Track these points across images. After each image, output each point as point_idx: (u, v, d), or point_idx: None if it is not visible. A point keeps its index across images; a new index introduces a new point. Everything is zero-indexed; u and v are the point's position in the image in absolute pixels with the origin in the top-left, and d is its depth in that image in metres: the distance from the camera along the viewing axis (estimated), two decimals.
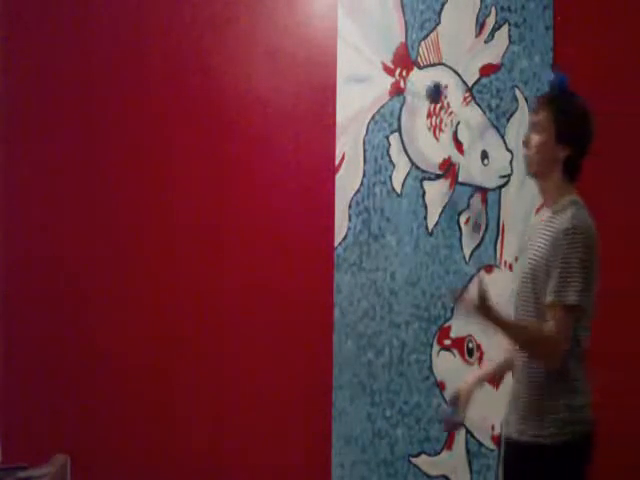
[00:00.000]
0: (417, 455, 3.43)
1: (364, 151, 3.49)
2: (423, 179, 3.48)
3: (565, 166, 2.50)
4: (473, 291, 2.37)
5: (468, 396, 2.67)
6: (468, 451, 3.43)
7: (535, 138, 2.51)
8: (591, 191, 3.54)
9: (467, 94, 3.48)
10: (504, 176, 3.48)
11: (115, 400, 3.62)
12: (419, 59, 3.49)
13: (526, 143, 2.54)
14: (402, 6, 3.49)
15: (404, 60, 3.49)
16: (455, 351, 3.46)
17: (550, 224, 2.45)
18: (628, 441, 3.43)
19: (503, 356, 2.70)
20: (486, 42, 3.49)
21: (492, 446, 3.42)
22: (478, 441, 3.43)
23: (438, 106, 3.48)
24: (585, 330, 2.44)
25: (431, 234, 3.48)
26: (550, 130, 2.48)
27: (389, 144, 3.49)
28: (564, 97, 2.56)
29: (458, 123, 3.49)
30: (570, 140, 2.48)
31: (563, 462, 2.39)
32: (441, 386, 3.45)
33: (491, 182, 3.49)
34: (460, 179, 3.48)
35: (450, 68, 3.49)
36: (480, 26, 3.49)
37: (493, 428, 3.42)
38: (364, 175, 3.49)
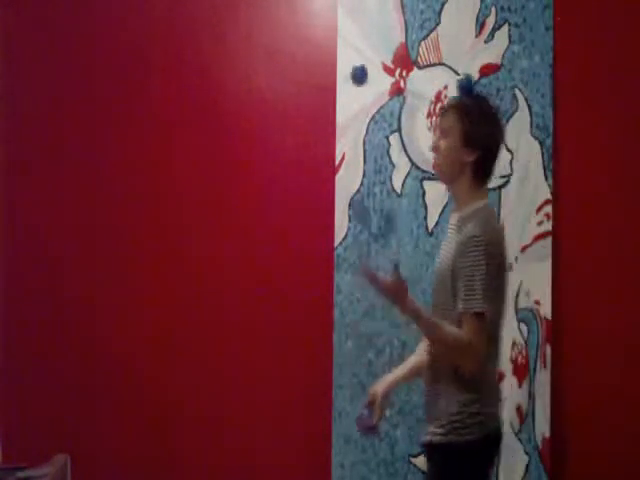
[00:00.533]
0: (417, 455, 3.43)
1: (364, 151, 3.49)
2: (423, 179, 3.48)
3: (474, 170, 2.48)
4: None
5: (384, 398, 2.65)
6: None
7: (442, 143, 2.51)
8: (592, 191, 3.55)
9: None
10: (504, 176, 3.48)
11: (115, 400, 3.62)
12: (419, 59, 3.49)
13: (434, 149, 2.53)
14: (402, 6, 3.49)
15: (404, 60, 3.49)
16: None
17: (458, 230, 2.45)
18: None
19: (417, 356, 2.71)
20: (486, 42, 3.49)
21: None
22: None
23: (438, 106, 3.48)
24: (495, 337, 2.46)
25: (431, 234, 3.48)
26: (456, 134, 2.47)
27: (389, 144, 3.49)
28: (469, 101, 2.57)
29: None
30: (477, 143, 2.47)
31: (468, 462, 2.41)
32: None
33: (491, 182, 3.48)
34: None
35: (450, 68, 3.49)
36: (480, 26, 3.49)
37: None
38: (364, 175, 3.49)
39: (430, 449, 2.50)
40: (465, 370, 2.38)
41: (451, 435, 2.41)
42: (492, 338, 2.44)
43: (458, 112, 2.50)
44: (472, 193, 2.50)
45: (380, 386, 2.68)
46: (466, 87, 2.52)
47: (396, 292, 2.33)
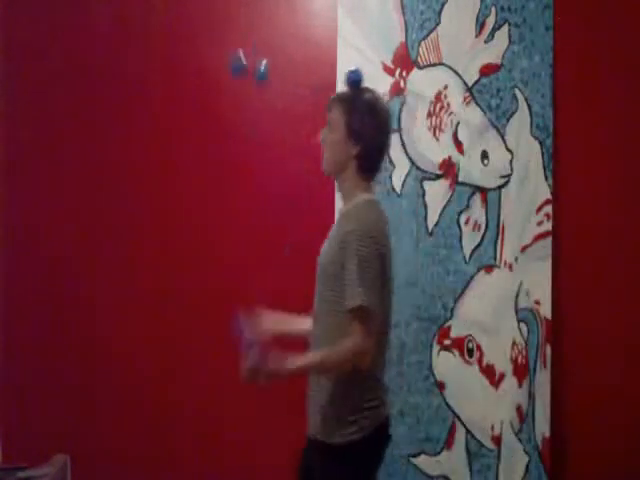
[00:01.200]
0: (417, 455, 3.43)
1: None
2: (423, 179, 3.48)
3: (358, 164, 2.47)
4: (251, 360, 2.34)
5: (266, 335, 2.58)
6: (468, 451, 3.43)
7: (328, 136, 2.50)
8: (592, 191, 3.55)
9: (467, 94, 3.48)
10: (504, 176, 3.48)
11: (115, 400, 3.62)
12: (419, 59, 3.49)
13: (322, 142, 2.52)
14: (402, 6, 3.49)
15: (404, 60, 3.49)
16: (455, 351, 3.46)
17: (340, 224, 2.44)
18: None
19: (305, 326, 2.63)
20: (486, 42, 3.49)
21: (492, 446, 3.43)
22: (478, 441, 3.43)
23: (438, 106, 3.48)
24: (382, 332, 2.44)
25: (431, 234, 3.48)
26: (341, 128, 2.46)
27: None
28: (354, 94, 2.53)
29: (458, 123, 3.49)
30: (361, 137, 2.45)
31: (352, 460, 2.40)
32: (441, 386, 3.45)
33: (491, 182, 3.49)
34: (460, 179, 3.48)
35: (450, 68, 3.49)
36: (480, 26, 3.49)
37: (493, 428, 3.43)
38: None
39: (313, 444, 2.49)
40: (358, 369, 2.37)
41: (328, 431, 2.42)
42: (380, 333, 2.42)
43: (343, 105, 2.49)
44: (357, 187, 2.49)
45: (274, 326, 2.65)
46: (354, 79, 2.50)
47: (271, 373, 2.34)
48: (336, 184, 2.56)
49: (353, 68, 2.55)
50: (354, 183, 2.48)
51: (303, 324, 2.65)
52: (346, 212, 2.46)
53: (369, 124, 2.46)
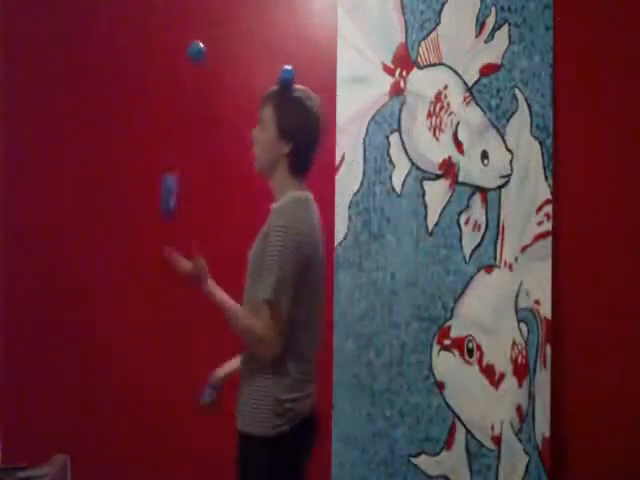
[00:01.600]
0: (417, 455, 3.44)
1: (364, 151, 3.49)
2: (423, 179, 3.48)
3: (289, 162, 2.50)
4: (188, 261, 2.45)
5: (222, 380, 2.73)
6: (468, 451, 3.43)
7: (260, 135, 2.52)
8: (592, 191, 3.55)
9: (467, 94, 3.48)
10: (504, 176, 3.48)
11: (115, 400, 3.62)
12: (419, 59, 3.49)
13: (254, 140, 2.55)
14: (402, 6, 3.49)
15: (404, 60, 3.49)
16: (455, 351, 3.46)
17: (268, 220, 2.47)
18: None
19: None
20: (486, 42, 3.49)
21: (492, 446, 3.43)
22: (478, 441, 3.44)
23: (438, 106, 3.48)
24: (303, 329, 2.45)
25: (431, 234, 3.48)
26: (272, 126, 2.49)
27: (389, 144, 3.49)
28: (286, 92, 2.55)
29: (458, 123, 3.49)
30: (291, 136, 2.47)
31: (278, 451, 2.44)
32: (441, 386, 3.45)
33: (491, 182, 3.49)
34: (460, 179, 3.48)
35: (450, 68, 3.49)
36: (480, 26, 3.49)
37: (493, 428, 3.43)
38: (364, 175, 3.49)
39: (241, 437, 2.52)
40: (260, 358, 2.41)
41: (254, 423, 2.45)
42: (300, 330, 2.44)
43: (274, 104, 2.51)
44: (288, 185, 2.52)
45: (221, 370, 2.74)
46: (285, 78, 2.52)
47: (196, 274, 2.41)
48: (268, 180, 2.58)
49: (286, 67, 2.57)
50: (285, 181, 2.52)
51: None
52: (274, 209, 2.50)
53: (300, 123, 2.49)
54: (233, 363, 2.70)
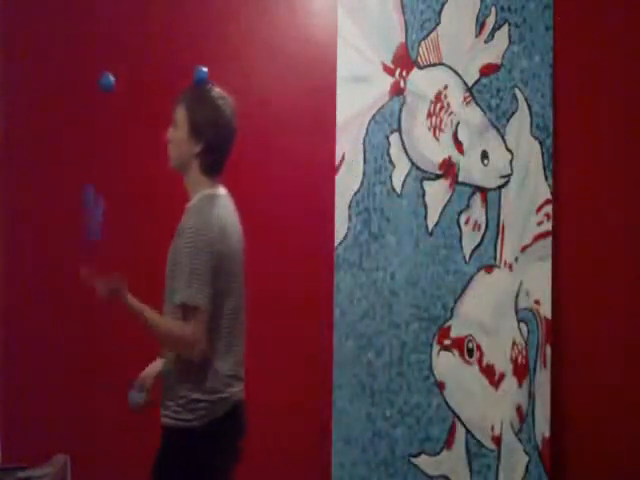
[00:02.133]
0: (417, 455, 3.44)
1: (364, 151, 3.49)
2: (423, 179, 3.49)
3: (201, 161, 2.51)
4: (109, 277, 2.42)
5: (150, 381, 2.69)
6: (468, 451, 3.43)
7: (173, 134, 2.54)
8: (592, 191, 3.55)
9: (467, 94, 3.48)
10: (504, 176, 3.48)
11: (115, 400, 3.61)
12: (419, 59, 3.49)
13: (168, 140, 2.57)
14: (402, 6, 3.49)
15: (404, 60, 3.49)
16: (455, 351, 3.46)
17: (181, 220, 2.48)
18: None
19: None
20: (486, 42, 3.49)
21: (492, 446, 3.43)
22: (478, 441, 3.43)
23: (438, 106, 3.48)
24: (225, 325, 2.46)
25: (431, 234, 3.48)
26: (184, 126, 2.51)
27: (389, 144, 3.49)
28: (199, 92, 2.58)
29: (458, 123, 3.49)
30: (203, 135, 2.49)
31: (188, 447, 2.44)
32: (441, 386, 3.45)
33: (491, 182, 3.49)
34: (460, 179, 3.48)
35: (450, 68, 3.49)
36: (480, 26, 3.49)
37: (493, 428, 3.43)
38: (364, 175, 3.49)
39: (162, 431, 2.52)
40: (185, 358, 2.42)
41: (174, 419, 2.45)
42: (220, 331, 2.45)
43: (186, 103, 2.53)
44: (200, 184, 2.53)
45: (149, 370, 2.71)
46: (199, 78, 2.56)
47: (114, 288, 2.40)
48: (183, 179, 2.59)
49: (200, 67, 2.60)
50: (197, 180, 2.53)
51: None
52: (187, 208, 2.51)
53: (210, 122, 2.51)
54: (157, 364, 2.69)
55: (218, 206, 2.50)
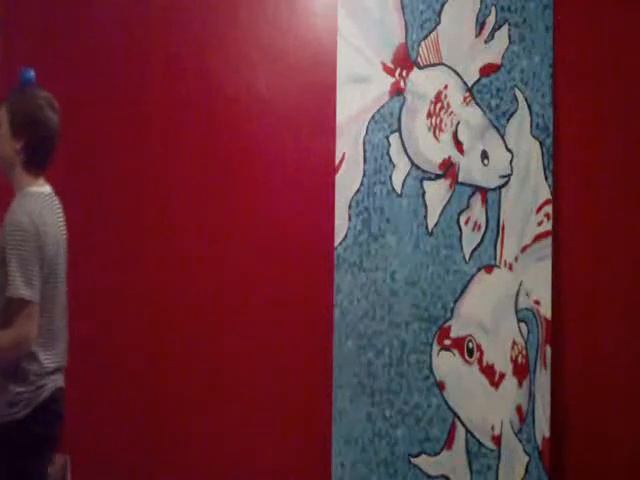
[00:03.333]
0: (417, 455, 3.44)
1: (364, 151, 3.49)
2: (423, 179, 3.49)
3: (24, 158, 2.61)
4: None
5: None
6: (468, 451, 3.43)
7: None
8: (592, 191, 3.55)
9: (467, 94, 3.48)
10: (504, 176, 3.48)
11: (115, 400, 3.62)
12: (419, 59, 3.49)
13: None
14: (402, 6, 3.49)
15: (404, 60, 3.49)
16: (455, 351, 3.46)
17: (5, 217, 2.55)
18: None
19: None
20: (486, 42, 3.49)
21: (492, 446, 3.43)
22: (478, 441, 3.44)
23: (438, 106, 3.48)
24: (47, 319, 2.54)
25: (431, 234, 3.48)
26: (6, 124, 2.61)
27: (389, 144, 3.49)
28: (21, 92, 2.67)
29: (458, 123, 3.49)
30: (22, 132, 2.60)
31: (8, 440, 2.51)
32: (441, 386, 3.45)
33: (491, 182, 3.49)
34: (460, 179, 3.48)
35: (450, 68, 3.49)
36: (480, 26, 3.49)
37: (493, 428, 3.43)
38: (364, 175, 3.49)
39: None
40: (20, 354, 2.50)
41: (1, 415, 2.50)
42: (42, 326, 2.53)
43: (8, 102, 2.64)
44: (24, 181, 2.63)
45: None
46: (23, 78, 2.66)
47: None
48: (9, 177, 2.67)
49: (26, 68, 2.69)
50: (20, 178, 2.63)
51: None
52: (11, 205, 2.58)
53: (30, 121, 2.61)
54: None
55: (40, 203, 2.59)
